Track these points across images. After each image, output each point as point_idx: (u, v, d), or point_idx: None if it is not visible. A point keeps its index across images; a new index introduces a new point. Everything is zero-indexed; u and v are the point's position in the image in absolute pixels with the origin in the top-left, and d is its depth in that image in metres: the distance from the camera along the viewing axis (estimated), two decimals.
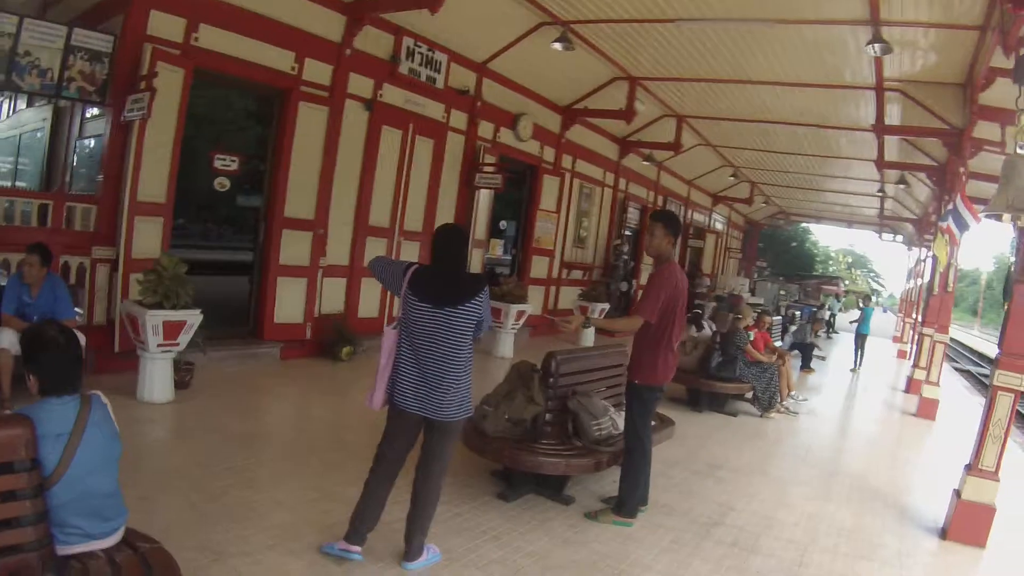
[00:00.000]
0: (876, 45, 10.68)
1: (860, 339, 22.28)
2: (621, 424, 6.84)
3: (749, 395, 12.19)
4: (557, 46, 12.42)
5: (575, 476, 6.80)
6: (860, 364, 21.60)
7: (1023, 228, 6.52)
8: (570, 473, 6.57)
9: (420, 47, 12.41)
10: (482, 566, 5.16)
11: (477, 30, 12.86)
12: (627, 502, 6.39)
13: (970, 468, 7.32)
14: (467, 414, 4.98)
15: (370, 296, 12.36)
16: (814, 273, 63.86)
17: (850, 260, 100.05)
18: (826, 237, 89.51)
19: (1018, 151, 5.00)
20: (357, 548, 4.90)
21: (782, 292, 37.30)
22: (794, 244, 66.67)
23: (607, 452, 6.60)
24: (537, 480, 6.64)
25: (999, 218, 5.39)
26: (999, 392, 7.21)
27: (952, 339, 55.19)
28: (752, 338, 12.58)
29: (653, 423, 7.28)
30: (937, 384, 14.73)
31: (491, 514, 6.14)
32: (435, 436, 4.91)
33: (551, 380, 6.80)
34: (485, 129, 14.69)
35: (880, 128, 14.67)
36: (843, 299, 46.37)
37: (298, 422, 8.87)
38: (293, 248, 10.90)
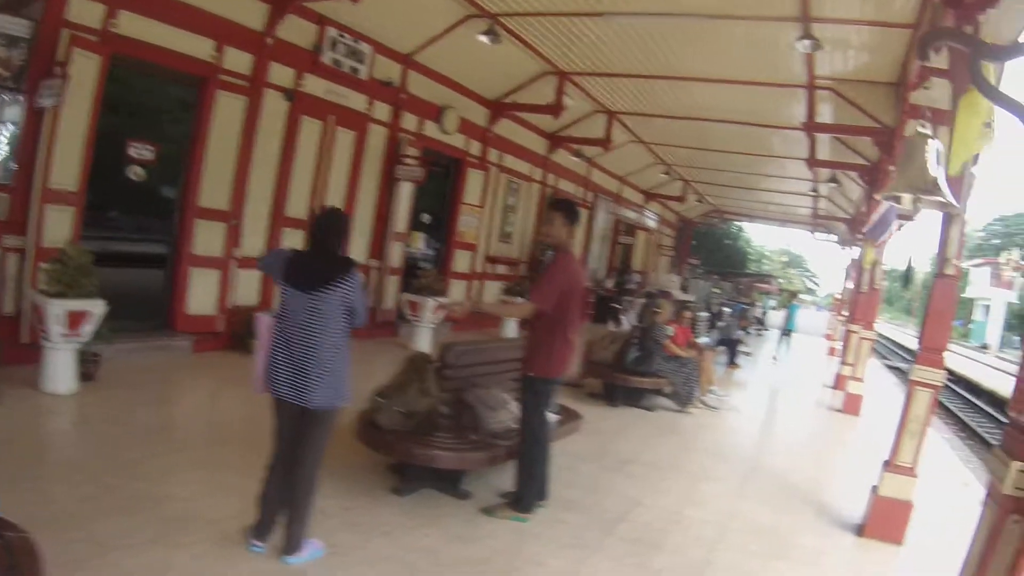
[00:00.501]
0: (806, 41, 10.95)
1: (785, 334, 23.96)
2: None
3: (668, 390, 12.29)
4: (484, 39, 12.52)
5: (472, 471, 6.76)
6: (782, 356, 23.06)
7: (948, 218, 6.76)
8: (464, 467, 6.57)
9: (344, 37, 12.46)
10: (371, 562, 5.15)
11: (403, 21, 12.95)
12: (523, 497, 6.39)
13: (888, 464, 7.43)
14: (340, 403, 5.00)
15: None
16: (747, 271, 64.76)
17: (786, 259, 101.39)
18: (762, 236, 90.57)
19: (919, 130, 5.22)
20: (260, 543, 4.96)
21: (715, 289, 37.76)
22: (728, 242, 67.51)
23: (503, 446, 6.58)
24: (432, 475, 6.56)
25: (898, 200, 5.56)
26: (916, 387, 7.35)
27: (886, 337, 56.22)
28: (671, 333, 12.73)
29: (560, 417, 7.49)
30: (862, 380, 15.23)
31: (384, 509, 6.10)
32: (305, 424, 4.92)
33: (447, 372, 6.88)
34: (409, 121, 14.79)
35: (811, 126, 15.11)
36: (777, 297, 47.06)
37: (203, 415, 8.91)
38: (207, 239, 10.92)
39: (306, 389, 4.78)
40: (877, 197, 8.79)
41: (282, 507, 4.98)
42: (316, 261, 4.92)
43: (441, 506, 6.39)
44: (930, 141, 5.00)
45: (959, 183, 6.98)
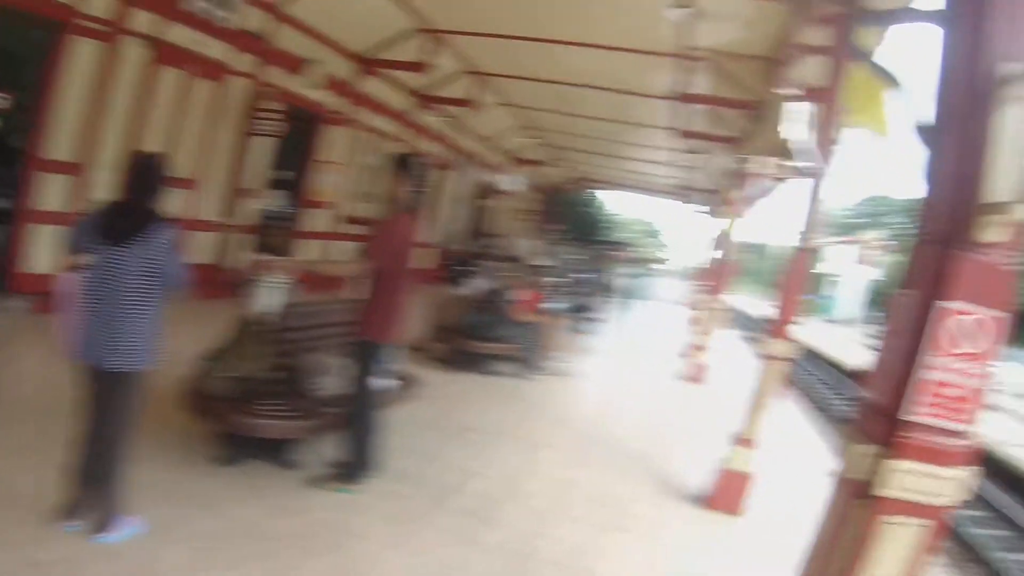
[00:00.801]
0: (680, 9, 11.03)
1: (634, 300, 25.25)
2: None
3: (515, 356, 12.35)
4: None
5: (302, 439, 6.54)
6: (632, 319, 24.19)
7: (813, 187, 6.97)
8: (289, 436, 6.35)
9: None
10: (190, 539, 4.98)
11: None
12: (352, 467, 6.34)
13: (736, 436, 7.66)
14: (145, 366, 4.72)
15: None
16: (605, 239, 65.53)
17: (643, 228, 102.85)
18: (621, 205, 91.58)
19: (781, 93, 5.34)
20: (74, 522, 4.72)
21: (573, 256, 38.12)
22: (587, 209, 67.95)
23: (331, 413, 6.42)
24: (260, 444, 6.30)
25: (754, 162, 5.65)
26: (768, 360, 7.56)
27: (747, 311, 57.55)
28: (519, 297, 12.73)
29: (399, 383, 7.41)
30: (712, 350, 15.80)
31: (208, 481, 5.93)
32: (110, 390, 4.65)
33: (277, 335, 6.69)
34: (273, 74, 14.52)
35: (684, 97, 15.24)
36: (634, 265, 47.72)
37: (30, 382, 8.04)
38: (51, 193, 10.56)
39: (110, 351, 4.56)
40: (734, 159, 8.99)
41: (93, 482, 4.72)
42: (123, 213, 4.66)
43: (268, 477, 6.27)
44: (791, 104, 5.16)
45: (822, 156, 7.32)
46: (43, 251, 10.55)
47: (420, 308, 7.95)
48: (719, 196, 25.99)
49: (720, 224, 18.52)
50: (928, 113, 3.07)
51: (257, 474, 6.26)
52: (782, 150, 5.03)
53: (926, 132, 3.02)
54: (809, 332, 48.86)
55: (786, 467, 9.70)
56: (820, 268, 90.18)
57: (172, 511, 5.25)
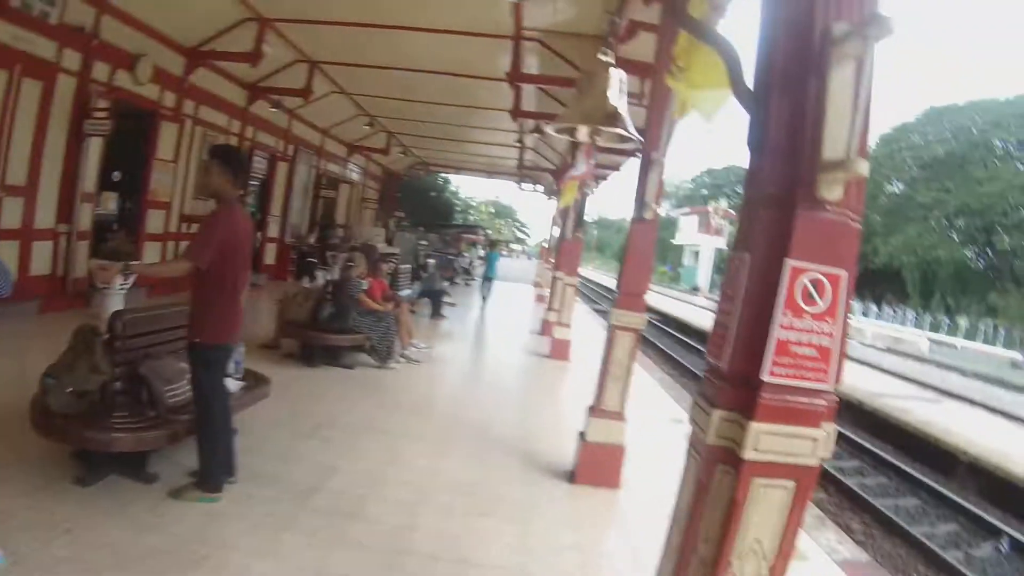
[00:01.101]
0: None
1: (487, 282, 25.31)
2: None
3: (367, 346, 12.27)
4: None
5: (158, 450, 6.29)
6: (486, 301, 24.52)
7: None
8: (142, 448, 6.06)
9: None
10: (49, 567, 4.70)
11: None
12: (208, 475, 6.11)
13: (593, 409, 7.77)
14: None
15: None
16: (454, 223, 65.90)
17: (493, 210, 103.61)
18: (471, 187, 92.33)
19: (599, 58, 5.29)
20: None
21: (422, 242, 38.17)
22: (434, 194, 68.21)
23: (184, 420, 6.20)
24: (115, 459, 6.05)
25: (572, 133, 5.58)
26: (617, 331, 7.72)
27: (597, 283, 58.63)
28: (366, 286, 12.69)
29: (244, 383, 7.44)
30: (569, 326, 15.98)
31: (67, 503, 5.59)
32: None
33: (118, 344, 6.35)
34: (101, 71, 13.97)
35: (516, 77, 15.33)
36: (489, 247, 48.17)
37: None
38: None
39: None
40: (547, 129, 8.98)
41: None
42: None
43: (128, 493, 5.97)
44: (612, 71, 5.12)
45: (659, 132, 7.44)
46: None
47: (267, 304, 7.78)
48: (558, 175, 26.40)
49: (565, 202, 18.76)
50: (751, 78, 3.13)
51: (117, 491, 5.98)
52: (603, 119, 4.99)
53: (750, 97, 3.08)
54: (668, 302, 50.21)
55: (655, 436, 9.89)
56: (678, 239, 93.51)
57: (30, 537, 4.99)
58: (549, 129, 5.94)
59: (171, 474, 6.36)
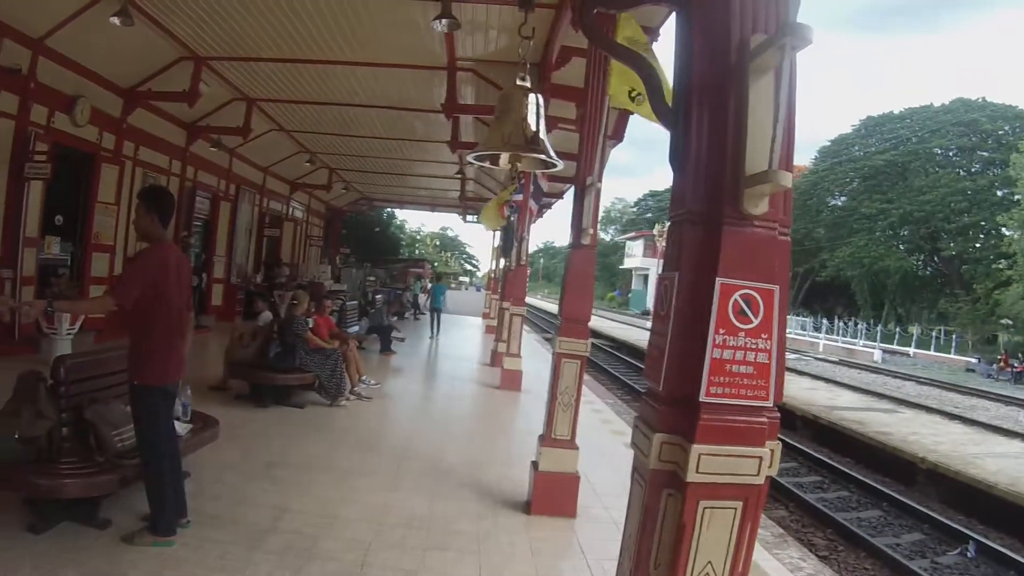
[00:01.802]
0: (444, 20, 11.08)
1: (435, 313, 26.03)
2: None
3: (316, 384, 12.15)
4: (115, 20, 11.92)
5: (109, 495, 6.19)
6: (437, 333, 25.09)
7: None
8: (92, 493, 5.98)
9: None
10: None
11: (33, 0, 12.22)
12: (159, 519, 5.96)
13: (544, 438, 7.75)
14: None
15: None
16: (401, 257, 65.92)
17: (438, 243, 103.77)
18: (417, 221, 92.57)
19: (517, 83, 5.19)
20: None
21: (370, 277, 38.10)
22: (378, 229, 68.13)
23: (133, 465, 6.11)
24: (68, 505, 5.98)
25: (495, 161, 5.50)
26: (563, 359, 7.68)
27: (549, 313, 58.76)
28: (312, 324, 12.69)
29: (191, 425, 7.37)
30: (519, 355, 15.98)
31: (18, 551, 5.49)
32: None
33: (62, 389, 6.22)
34: (38, 113, 13.92)
35: (452, 108, 15.43)
36: (436, 280, 48.45)
37: None
38: None
39: None
40: (469, 159, 9.01)
41: None
42: None
43: (81, 540, 5.84)
44: (530, 95, 5.07)
45: (592, 157, 7.47)
46: None
47: (215, 345, 7.69)
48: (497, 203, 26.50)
49: (488, 222, 18.80)
50: (670, 94, 3.14)
51: (71, 538, 5.85)
52: (523, 144, 4.91)
53: (670, 114, 3.09)
54: (619, 327, 50.30)
55: (610, 462, 9.81)
56: (626, 264, 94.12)
57: None
58: (470, 157, 5.88)
59: (124, 519, 6.25)
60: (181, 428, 7.01)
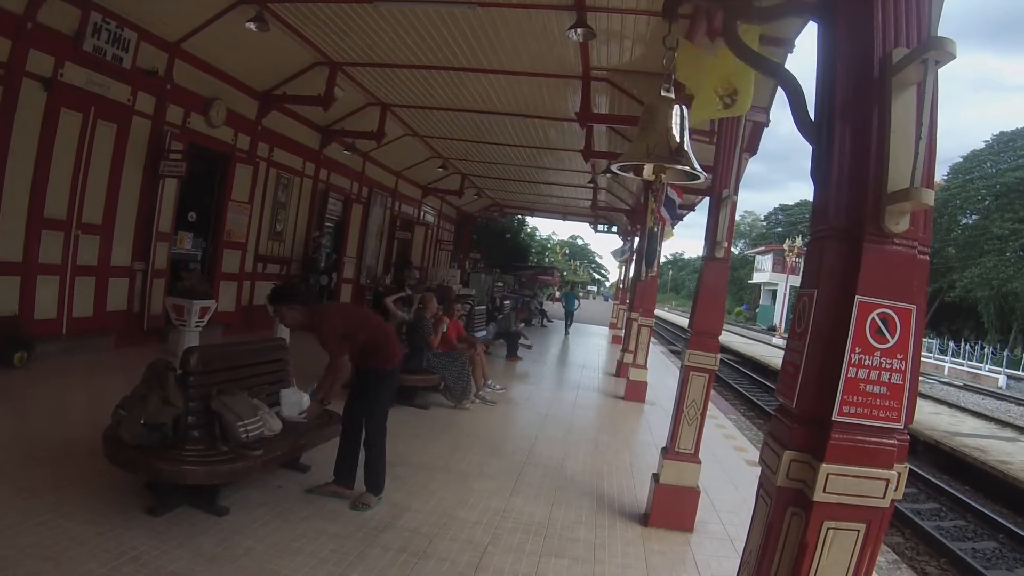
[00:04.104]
0: (579, 30, 11.12)
1: (568, 315, 29.81)
2: (275, 425, 6.80)
3: (441, 386, 12.34)
4: (251, 26, 12.34)
5: (229, 483, 6.54)
6: (569, 329, 28.53)
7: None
8: (212, 481, 6.21)
9: (108, 23, 11.86)
10: None
11: (170, 6, 12.53)
12: (380, 479, 7.11)
13: (667, 451, 7.67)
14: None
15: (47, 296, 11.74)
16: (530, 264, 66.12)
17: (567, 251, 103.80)
18: (547, 228, 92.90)
19: (662, 94, 5.15)
20: None
21: (498, 284, 38.31)
22: (508, 236, 68.33)
23: (256, 456, 6.32)
24: (188, 491, 6.25)
25: (639, 171, 5.49)
26: (691, 372, 7.61)
27: (676, 326, 58.20)
28: (440, 327, 12.81)
29: (319, 420, 7.58)
30: (645, 367, 15.85)
31: (136, 531, 5.68)
32: None
33: (191, 379, 6.48)
34: (174, 114, 14.33)
35: (586, 117, 15.33)
36: (564, 288, 48.59)
37: None
38: None
39: None
40: (612, 168, 9.09)
41: None
42: None
43: (198, 524, 6.07)
44: (675, 107, 5.04)
45: (729, 168, 7.40)
46: None
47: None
48: (632, 215, 26.37)
49: (641, 242, 18.69)
50: (812, 109, 3.09)
51: (188, 522, 6.07)
52: (667, 155, 4.86)
53: (813, 128, 3.04)
54: (744, 342, 49.75)
55: (730, 478, 9.72)
56: (755, 279, 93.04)
57: (98, 566, 5.03)
58: (614, 167, 5.86)
59: (243, 508, 6.51)
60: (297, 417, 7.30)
